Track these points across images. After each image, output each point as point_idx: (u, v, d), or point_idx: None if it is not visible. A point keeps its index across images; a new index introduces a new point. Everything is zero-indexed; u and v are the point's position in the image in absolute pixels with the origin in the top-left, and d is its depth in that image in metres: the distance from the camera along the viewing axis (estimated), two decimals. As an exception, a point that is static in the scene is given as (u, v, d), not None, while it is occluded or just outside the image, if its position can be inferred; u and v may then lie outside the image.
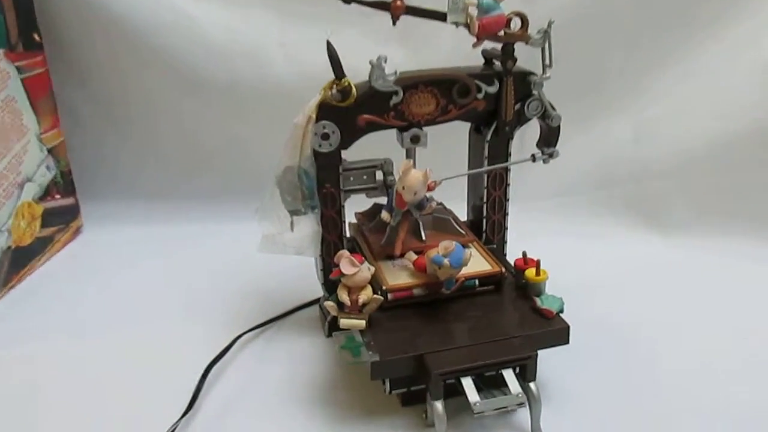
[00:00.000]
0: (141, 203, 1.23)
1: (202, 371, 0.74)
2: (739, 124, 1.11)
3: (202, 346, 0.78)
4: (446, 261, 0.67)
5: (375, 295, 0.69)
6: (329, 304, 0.70)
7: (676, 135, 1.15)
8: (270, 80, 1.17)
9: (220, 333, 0.81)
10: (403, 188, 0.70)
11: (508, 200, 0.84)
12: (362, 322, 0.68)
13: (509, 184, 0.84)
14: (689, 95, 1.14)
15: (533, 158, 0.78)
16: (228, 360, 0.78)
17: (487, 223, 0.85)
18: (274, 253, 0.74)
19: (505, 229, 0.86)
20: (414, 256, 0.74)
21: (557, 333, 0.70)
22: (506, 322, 0.72)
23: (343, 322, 0.68)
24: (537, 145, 0.82)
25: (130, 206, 1.23)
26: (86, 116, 1.25)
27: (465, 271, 0.70)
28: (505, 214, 0.85)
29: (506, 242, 0.87)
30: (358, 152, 0.74)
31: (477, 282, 0.74)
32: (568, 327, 0.70)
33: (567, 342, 0.70)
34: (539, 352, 0.67)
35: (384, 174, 0.80)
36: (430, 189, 0.72)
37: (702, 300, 0.89)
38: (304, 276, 0.83)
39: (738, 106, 1.11)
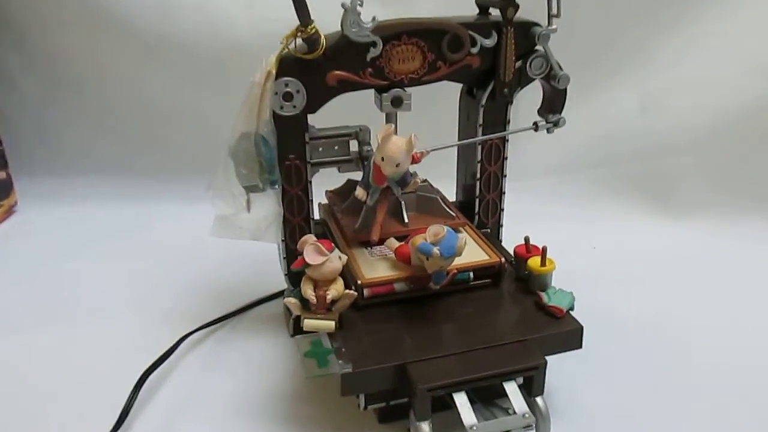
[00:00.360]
0: (82, 180, 1.10)
1: (136, 379, 0.62)
2: (749, 97, 1.02)
3: (140, 347, 0.67)
4: (436, 250, 0.54)
5: (347, 291, 0.57)
6: (291, 301, 0.57)
7: (683, 107, 1.06)
8: (232, 42, 1.04)
9: (164, 332, 0.70)
10: (383, 159, 0.57)
11: (505, 176, 0.73)
12: (331, 324, 0.56)
13: (507, 158, 0.72)
14: (697, 66, 1.04)
15: (536, 126, 0.67)
16: (171, 365, 0.67)
17: (481, 204, 0.73)
18: (228, 237, 0.64)
19: (501, 210, 0.74)
20: (396, 244, 0.62)
21: (568, 336, 0.58)
22: (507, 323, 0.60)
23: (308, 323, 0.56)
24: (539, 111, 0.70)
25: (70, 183, 1.10)
26: (24, 83, 1.13)
27: (457, 261, 0.58)
28: (501, 193, 0.73)
29: (502, 226, 0.75)
30: (328, 118, 0.64)
31: (471, 275, 0.62)
32: (581, 328, 0.58)
33: (579, 346, 0.59)
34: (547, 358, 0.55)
35: (359, 143, 0.68)
36: (415, 161, 0.59)
37: (718, 288, 0.82)
38: (265, 264, 0.74)
39: (747, 78, 1.02)
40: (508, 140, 0.71)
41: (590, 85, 1.04)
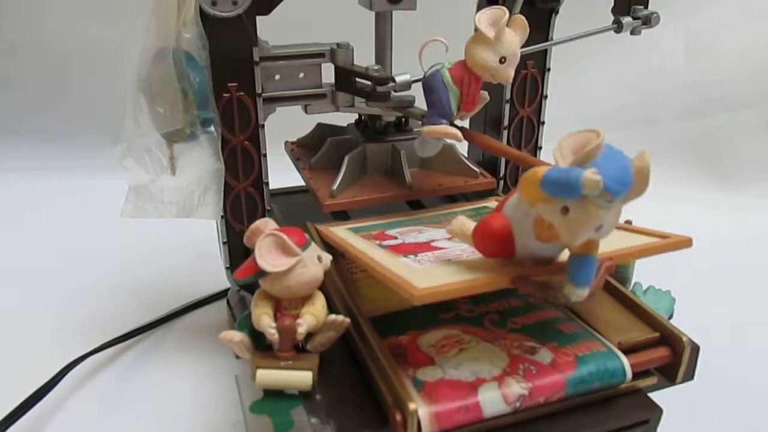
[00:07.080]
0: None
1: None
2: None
3: (15, 375, 0.48)
4: (593, 175, 0.25)
5: (333, 316, 0.34)
6: (233, 339, 0.35)
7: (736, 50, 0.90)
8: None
9: (52, 353, 0.50)
10: (503, 61, 0.40)
11: (542, 123, 0.54)
12: (305, 377, 0.34)
13: (546, 96, 0.53)
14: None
15: (618, 26, 0.49)
16: (54, 404, 0.47)
17: (508, 163, 0.54)
18: (146, 216, 0.45)
19: (537, 172, 0.54)
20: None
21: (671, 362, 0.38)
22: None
23: (264, 377, 0.34)
24: (614, 10, 0.50)
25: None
26: None
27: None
28: (536, 148, 0.55)
29: (537, 195, 0.55)
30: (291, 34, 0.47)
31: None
32: (698, 348, 0.38)
33: (692, 377, 0.38)
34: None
35: (339, 66, 0.47)
36: None
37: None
38: (201, 255, 0.59)
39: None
40: (549, 68, 0.52)
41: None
